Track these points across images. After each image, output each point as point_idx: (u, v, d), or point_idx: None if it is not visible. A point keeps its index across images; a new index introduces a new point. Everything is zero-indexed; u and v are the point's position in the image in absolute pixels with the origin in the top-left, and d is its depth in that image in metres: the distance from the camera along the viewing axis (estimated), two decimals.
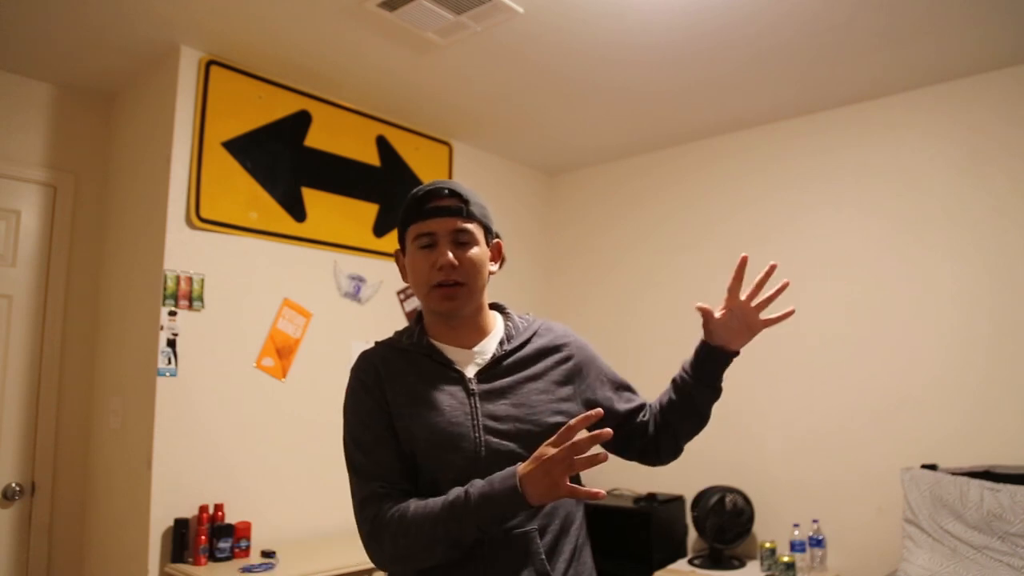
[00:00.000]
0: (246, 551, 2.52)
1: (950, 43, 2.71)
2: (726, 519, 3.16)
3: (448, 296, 1.24)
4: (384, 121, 3.38)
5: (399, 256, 1.35)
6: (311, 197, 3.05)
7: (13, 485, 2.70)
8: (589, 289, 4.12)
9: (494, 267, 1.34)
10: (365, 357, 1.33)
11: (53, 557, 2.78)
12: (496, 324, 1.35)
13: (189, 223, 2.66)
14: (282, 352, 2.90)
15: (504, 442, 1.21)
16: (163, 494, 2.49)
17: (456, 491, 1.13)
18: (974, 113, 2.95)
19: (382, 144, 3.37)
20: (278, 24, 2.57)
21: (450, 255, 1.23)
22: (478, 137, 3.75)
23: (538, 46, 2.74)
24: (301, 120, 3.05)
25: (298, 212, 3.00)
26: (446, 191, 1.27)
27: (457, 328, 1.30)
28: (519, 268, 4.02)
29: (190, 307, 2.63)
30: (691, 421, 1.38)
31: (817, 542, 3.00)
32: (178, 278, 2.61)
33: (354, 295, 3.20)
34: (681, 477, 3.53)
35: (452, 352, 1.30)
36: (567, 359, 1.34)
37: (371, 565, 2.45)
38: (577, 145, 3.89)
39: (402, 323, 3.39)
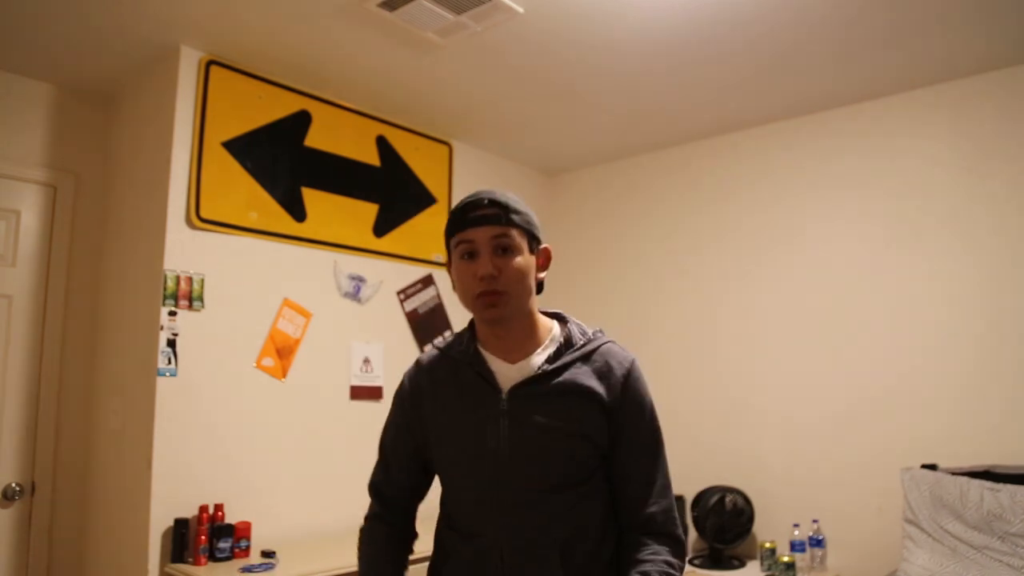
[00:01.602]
0: (246, 551, 2.52)
1: (951, 43, 2.71)
2: (726, 519, 3.16)
3: (490, 304, 1.22)
4: (384, 121, 3.38)
5: (449, 268, 1.33)
6: (311, 197, 3.05)
7: (13, 485, 2.70)
8: (589, 289, 4.12)
9: (542, 274, 1.31)
10: (417, 366, 1.38)
11: (53, 557, 2.78)
12: (550, 336, 1.31)
13: (189, 223, 2.66)
14: (282, 352, 2.90)
15: (526, 468, 1.21)
16: (163, 494, 2.49)
17: None
18: (974, 113, 2.95)
19: (382, 144, 3.37)
20: (278, 24, 2.57)
21: (490, 264, 1.21)
22: (478, 137, 3.75)
23: (538, 46, 2.74)
24: (301, 120, 3.05)
25: (298, 212, 3.00)
26: (486, 201, 1.25)
27: (504, 338, 1.28)
28: None
29: (190, 307, 2.63)
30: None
31: (817, 542, 3.00)
32: (178, 278, 2.61)
33: (354, 295, 3.20)
34: (681, 477, 3.50)
35: (496, 364, 1.28)
36: (607, 392, 1.24)
37: None
38: (577, 145, 3.89)
39: (402, 323, 3.40)
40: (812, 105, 3.31)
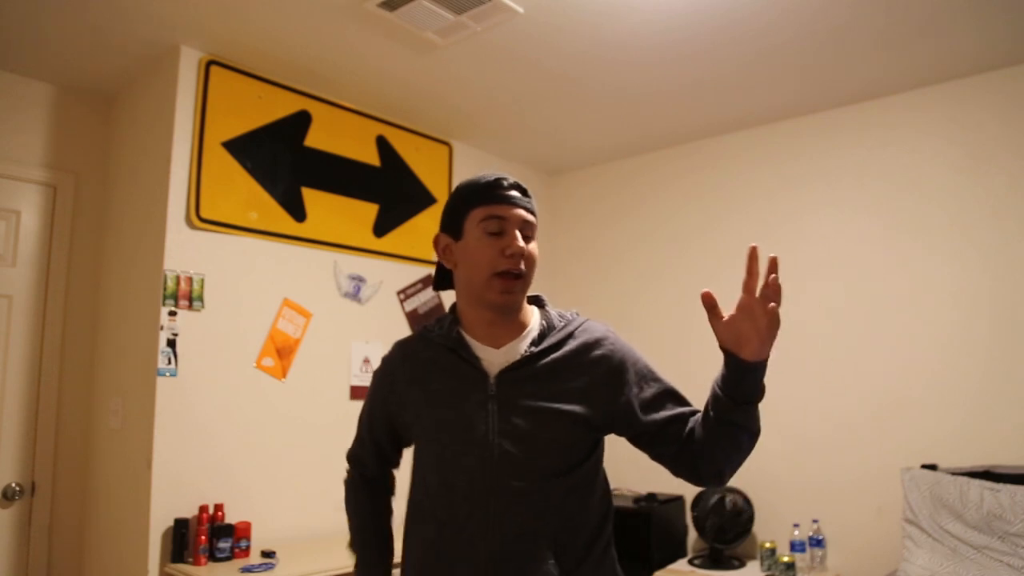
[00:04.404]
0: (246, 551, 2.52)
1: (950, 43, 2.71)
2: (726, 519, 3.16)
3: (508, 289, 1.22)
4: (384, 121, 3.38)
5: (441, 240, 1.31)
6: (311, 197, 3.05)
7: (13, 485, 2.70)
8: (589, 289, 4.12)
9: None
10: (397, 350, 1.36)
11: (53, 557, 2.78)
12: (532, 320, 1.30)
13: (189, 223, 2.66)
14: (282, 352, 2.90)
15: (517, 453, 1.17)
16: (163, 494, 2.49)
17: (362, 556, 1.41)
18: (974, 113, 2.95)
19: (382, 144, 3.37)
20: (278, 24, 2.56)
21: (523, 244, 1.22)
22: (478, 137, 3.75)
23: (538, 46, 2.74)
24: (301, 120, 3.05)
25: (298, 212, 3.00)
26: (511, 181, 1.27)
27: (493, 324, 1.26)
28: None
29: (190, 307, 2.63)
30: (719, 439, 1.17)
31: (817, 542, 3.00)
32: (178, 278, 2.61)
33: (354, 295, 3.20)
34: None
35: (480, 349, 1.25)
36: (598, 363, 1.25)
37: None
38: (577, 145, 3.89)
39: (402, 323, 3.39)
40: (813, 105, 3.31)
